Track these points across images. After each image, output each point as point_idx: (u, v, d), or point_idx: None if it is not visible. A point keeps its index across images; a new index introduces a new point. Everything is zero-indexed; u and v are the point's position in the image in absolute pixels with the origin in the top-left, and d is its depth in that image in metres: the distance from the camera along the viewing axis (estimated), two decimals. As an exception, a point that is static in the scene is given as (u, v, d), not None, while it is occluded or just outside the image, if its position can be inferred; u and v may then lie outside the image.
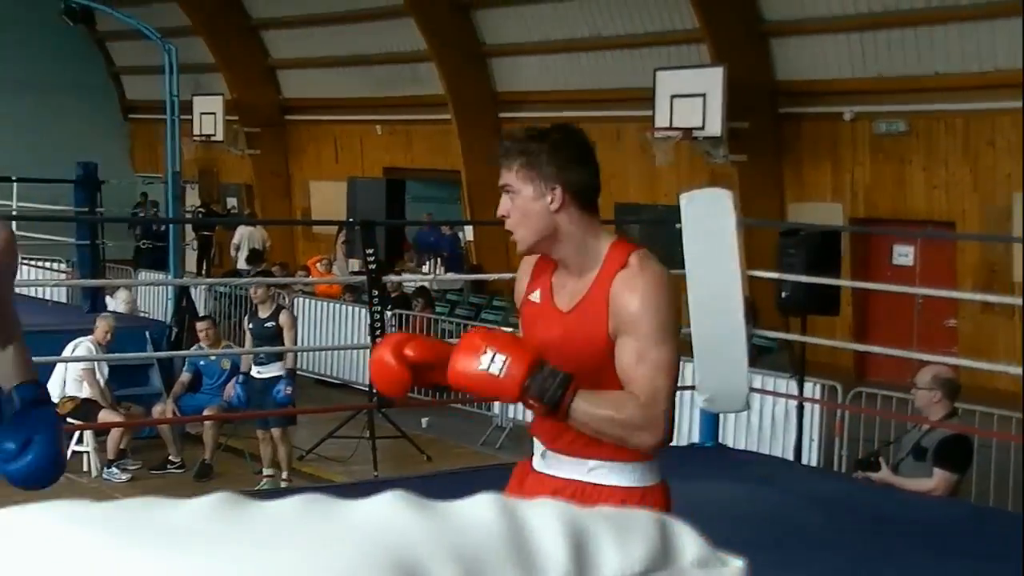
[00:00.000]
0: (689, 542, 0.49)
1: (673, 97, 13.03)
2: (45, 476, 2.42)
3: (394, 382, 2.54)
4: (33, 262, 14.04)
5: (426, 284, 13.56)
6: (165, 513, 0.45)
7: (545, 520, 0.45)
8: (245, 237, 17.79)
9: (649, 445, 2.52)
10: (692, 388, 6.92)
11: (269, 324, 8.82)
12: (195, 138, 18.87)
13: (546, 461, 2.69)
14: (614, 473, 2.62)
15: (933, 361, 7.44)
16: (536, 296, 2.71)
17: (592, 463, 2.61)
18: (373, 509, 0.46)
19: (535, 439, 2.73)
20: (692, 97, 12.93)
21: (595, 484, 2.61)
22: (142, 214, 19.73)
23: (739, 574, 0.49)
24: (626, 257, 2.58)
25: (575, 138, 2.71)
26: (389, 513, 0.45)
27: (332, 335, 12.74)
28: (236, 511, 0.45)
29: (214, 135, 19.11)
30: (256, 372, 8.85)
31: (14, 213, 14.37)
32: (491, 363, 2.40)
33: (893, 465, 6.36)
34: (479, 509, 0.46)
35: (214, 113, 19.04)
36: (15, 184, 14.81)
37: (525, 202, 2.57)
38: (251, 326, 8.96)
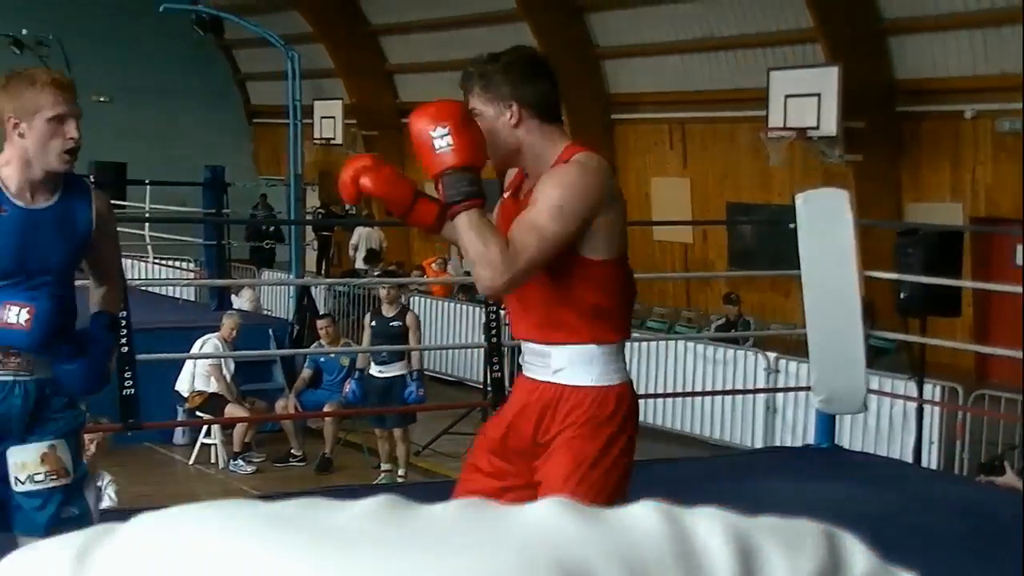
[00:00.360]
0: (859, 555, 0.46)
1: (787, 97, 12.81)
2: (86, 383, 3.01)
3: (347, 197, 2.77)
4: (164, 261, 14.40)
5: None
6: (328, 515, 0.44)
7: (711, 529, 0.43)
8: (363, 238, 18.01)
9: (487, 285, 2.67)
10: (808, 389, 6.80)
11: (395, 323, 8.85)
12: (315, 141, 19.16)
13: (524, 363, 2.84)
14: (578, 374, 2.74)
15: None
16: (507, 193, 2.90)
17: (555, 363, 2.73)
18: (536, 514, 0.44)
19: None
20: (806, 97, 12.70)
21: (563, 385, 2.73)
22: (257, 215, 20.07)
23: (909, 589, 0.46)
24: (569, 156, 2.72)
25: (527, 56, 2.93)
26: (552, 519, 0.44)
27: (447, 333, 12.83)
28: (399, 514, 0.44)
29: (334, 138, 19.37)
30: (377, 371, 8.88)
31: (147, 215, 14.77)
32: (440, 138, 2.58)
33: (1019, 469, 6.17)
34: (642, 515, 0.44)
35: (333, 117, 19.31)
36: (148, 187, 15.24)
37: (489, 123, 2.71)
38: (374, 324, 8.98)
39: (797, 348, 8.46)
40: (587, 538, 0.42)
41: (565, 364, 2.73)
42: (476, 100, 2.75)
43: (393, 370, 8.84)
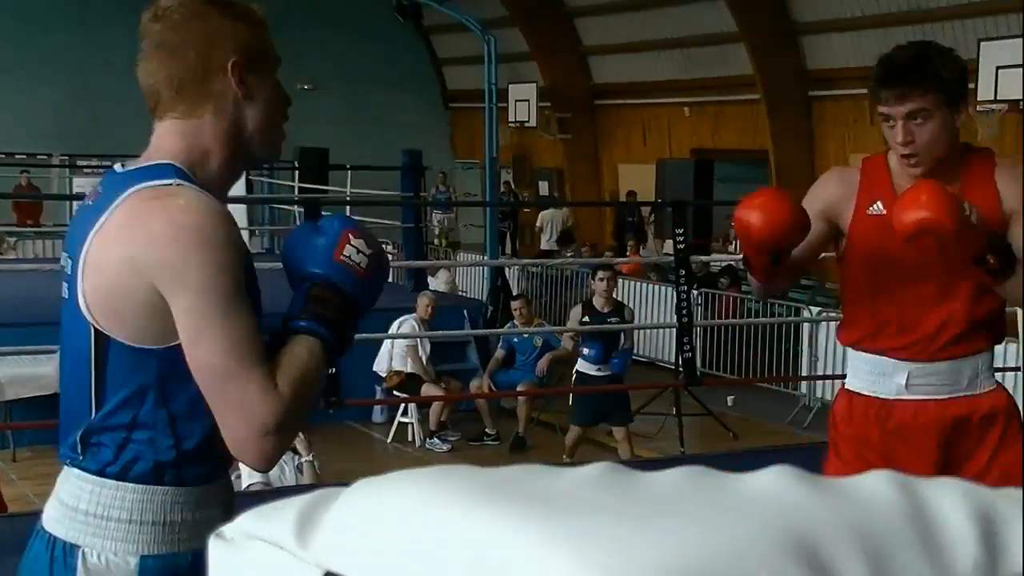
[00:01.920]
0: None
1: (998, 68, 12.26)
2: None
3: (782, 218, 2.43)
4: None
5: (733, 263, 13.34)
6: (547, 481, 0.44)
7: (951, 501, 0.40)
8: (547, 220, 18.17)
9: None
10: None
11: (612, 319, 8.29)
12: (510, 124, 19.32)
13: (912, 385, 2.59)
14: (984, 376, 2.59)
15: None
16: (875, 208, 2.63)
17: (967, 368, 2.57)
18: (764, 483, 0.42)
19: (883, 360, 2.60)
20: (1020, 67, 12.12)
21: (975, 396, 2.57)
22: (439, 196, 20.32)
23: None
24: (982, 154, 2.71)
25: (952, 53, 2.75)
26: (782, 488, 0.42)
27: (638, 313, 12.76)
28: (621, 481, 0.43)
29: (528, 121, 19.49)
30: (596, 370, 8.31)
31: (348, 198, 15.21)
32: (970, 211, 2.35)
33: None
34: (877, 486, 0.41)
35: (528, 100, 19.41)
36: (349, 172, 15.67)
37: (944, 124, 2.52)
38: (587, 319, 8.35)
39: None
40: (818, 508, 0.39)
41: (972, 369, 2.62)
42: (930, 100, 2.52)
43: (613, 367, 8.31)
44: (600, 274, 8.44)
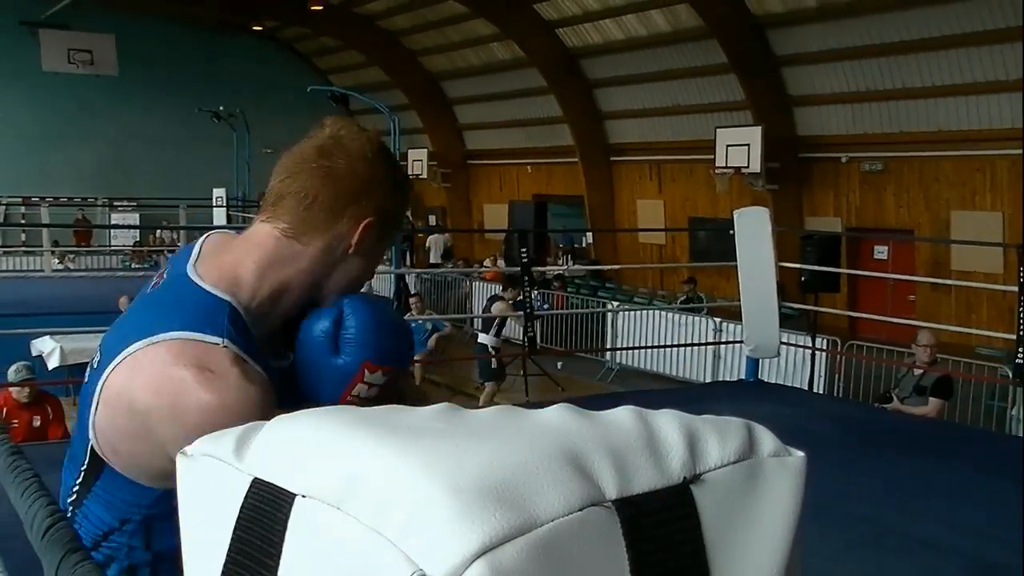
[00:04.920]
0: (767, 439, 0.46)
1: (728, 146, 12.74)
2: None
3: None
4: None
5: (562, 272, 13.52)
6: (403, 415, 0.44)
7: (667, 422, 0.42)
8: (433, 241, 18.14)
9: None
10: (740, 342, 6.75)
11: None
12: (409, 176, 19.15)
13: None
14: None
15: (904, 324, 7.15)
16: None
17: None
18: (549, 415, 0.43)
19: None
20: (741, 146, 12.62)
21: None
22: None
23: (801, 462, 0.46)
24: None
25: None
26: (559, 417, 0.43)
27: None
28: (452, 415, 0.44)
29: (421, 174, 19.38)
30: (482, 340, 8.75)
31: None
32: None
33: (900, 399, 6.17)
34: (621, 415, 0.43)
35: (421, 160, 19.31)
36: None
37: None
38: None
39: (735, 315, 8.41)
40: (583, 429, 0.41)
41: None
42: None
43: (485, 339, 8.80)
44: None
